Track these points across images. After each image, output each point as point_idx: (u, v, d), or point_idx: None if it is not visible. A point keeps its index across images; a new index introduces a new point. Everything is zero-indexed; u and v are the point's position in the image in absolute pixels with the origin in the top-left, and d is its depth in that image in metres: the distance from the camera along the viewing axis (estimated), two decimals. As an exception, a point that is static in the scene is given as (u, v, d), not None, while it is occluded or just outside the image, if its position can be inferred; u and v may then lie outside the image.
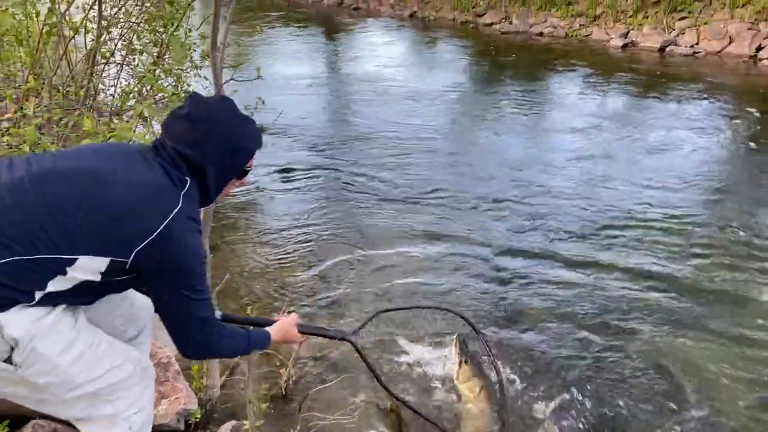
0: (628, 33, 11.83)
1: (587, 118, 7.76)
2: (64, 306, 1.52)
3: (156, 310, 1.64)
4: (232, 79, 2.89)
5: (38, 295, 1.42)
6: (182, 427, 2.52)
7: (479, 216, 5.13)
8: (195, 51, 5.28)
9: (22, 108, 4.06)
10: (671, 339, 3.51)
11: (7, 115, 3.84)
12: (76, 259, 1.41)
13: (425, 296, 3.89)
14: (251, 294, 3.91)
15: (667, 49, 11.16)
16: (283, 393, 2.89)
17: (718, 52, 10.75)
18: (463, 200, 5.42)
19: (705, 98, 8.46)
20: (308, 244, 4.65)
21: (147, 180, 1.53)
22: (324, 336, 2.29)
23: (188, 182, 1.59)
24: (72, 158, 1.54)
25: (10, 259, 1.36)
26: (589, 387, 3.12)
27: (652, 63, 10.72)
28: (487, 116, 8.07)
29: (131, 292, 1.86)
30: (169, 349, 2.72)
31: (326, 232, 4.85)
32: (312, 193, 5.71)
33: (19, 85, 4.66)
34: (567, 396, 3.04)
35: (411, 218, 5.05)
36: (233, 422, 2.55)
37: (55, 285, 1.43)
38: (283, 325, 2.01)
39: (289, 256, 4.45)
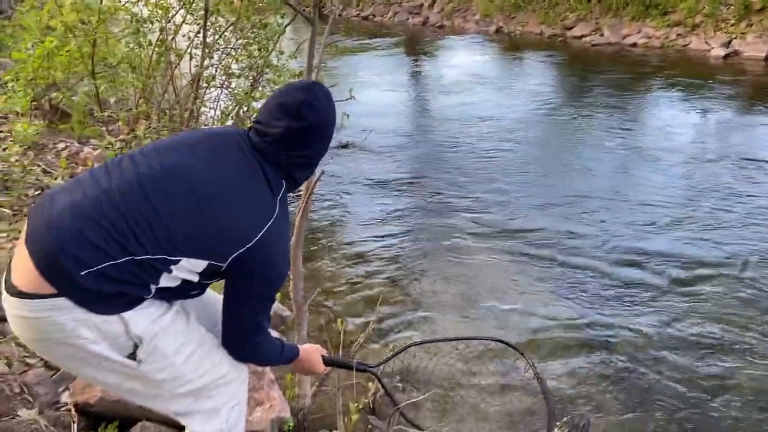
0: (730, 42, 11.21)
1: (687, 133, 7.38)
2: (177, 307, 1.62)
3: (226, 309, 1.66)
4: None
5: (153, 288, 1.49)
6: (276, 435, 2.63)
7: (570, 239, 4.94)
8: (286, 73, 5.53)
9: (134, 130, 4.42)
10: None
11: (120, 136, 4.16)
12: (179, 260, 1.48)
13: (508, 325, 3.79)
14: (337, 306, 4.03)
15: (775, 57, 10.50)
16: (372, 406, 2.95)
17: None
18: (554, 224, 5.21)
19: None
20: (394, 260, 4.71)
21: (252, 189, 1.57)
22: (347, 368, 2.25)
23: (283, 185, 1.64)
24: (179, 155, 1.58)
25: (126, 258, 1.43)
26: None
27: (758, 73, 10.07)
28: (578, 133, 7.82)
29: (215, 299, 1.93)
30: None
31: (412, 249, 4.90)
32: (399, 210, 5.76)
33: (131, 109, 5.05)
34: None
35: (500, 239, 4.96)
36: (324, 432, 2.63)
37: (165, 281, 1.50)
38: (310, 352, 2.02)
39: (374, 270, 4.54)
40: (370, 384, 2.96)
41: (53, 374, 2.71)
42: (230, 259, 1.52)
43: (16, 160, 4.46)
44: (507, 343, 2.93)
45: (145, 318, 1.51)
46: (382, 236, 5.18)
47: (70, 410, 2.45)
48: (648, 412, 3.05)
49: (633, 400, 3.14)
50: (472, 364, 3.35)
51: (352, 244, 5.07)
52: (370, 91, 10.17)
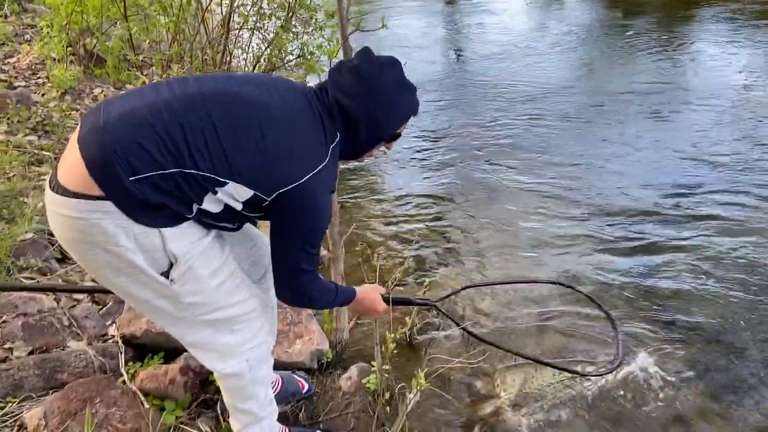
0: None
1: (738, 70, 7.08)
2: (214, 233, 1.63)
3: (272, 254, 1.67)
4: (357, 29, 2.92)
5: (195, 207, 1.50)
6: (315, 366, 2.68)
7: (616, 186, 4.79)
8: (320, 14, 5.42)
9: (167, 72, 4.43)
10: None
11: (155, 79, 4.17)
12: (226, 182, 1.48)
13: (547, 269, 3.74)
14: (372, 247, 4.05)
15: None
16: (408, 340, 2.98)
17: None
18: (597, 170, 5.08)
19: None
20: (431, 206, 4.68)
21: (310, 128, 1.58)
22: (409, 304, 2.29)
23: (338, 137, 1.64)
24: (248, 84, 1.58)
25: (175, 170, 1.43)
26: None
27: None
28: (622, 64, 7.56)
29: (259, 237, 1.99)
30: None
31: (450, 194, 4.85)
32: (433, 149, 5.70)
33: (164, 52, 5.03)
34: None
35: (540, 185, 4.86)
36: (362, 364, 2.67)
37: (208, 203, 1.51)
38: (369, 291, 2.04)
39: (410, 216, 4.52)
40: (407, 319, 2.99)
41: (100, 308, 2.80)
42: (275, 194, 1.52)
43: (55, 105, 4.52)
44: (569, 286, 3.07)
45: (184, 238, 1.53)
46: (420, 180, 5.15)
47: (117, 342, 2.55)
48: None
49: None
50: (531, 305, 3.39)
51: (388, 186, 5.06)
52: (402, 30, 9.92)
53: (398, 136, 1.78)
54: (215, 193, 1.50)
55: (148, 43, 5.12)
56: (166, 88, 1.54)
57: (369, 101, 1.63)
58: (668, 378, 2.87)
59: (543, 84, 7.25)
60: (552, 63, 7.98)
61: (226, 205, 1.55)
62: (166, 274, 1.54)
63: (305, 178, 1.53)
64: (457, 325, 2.41)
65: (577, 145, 5.56)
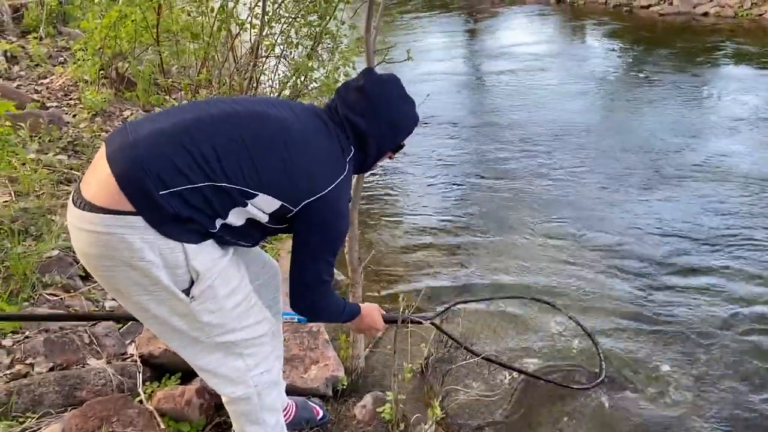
0: (810, 9, 10.55)
1: (759, 106, 7.02)
2: (232, 251, 1.67)
3: (293, 264, 1.73)
4: (383, 61, 2.99)
5: (218, 222, 1.55)
6: (330, 392, 2.68)
7: (635, 216, 4.79)
8: (344, 42, 5.52)
9: (195, 97, 4.53)
10: None
11: (183, 102, 4.27)
12: (257, 194, 1.55)
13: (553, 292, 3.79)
14: (390, 271, 4.08)
15: None
16: (423, 369, 2.97)
17: None
18: (610, 198, 5.11)
19: None
20: (446, 229, 4.72)
21: (328, 143, 1.69)
22: (405, 322, 2.37)
23: (353, 151, 1.75)
24: (272, 106, 1.69)
25: (205, 183, 1.49)
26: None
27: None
28: (640, 107, 7.50)
29: (268, 260, 2.06)
30: (319, 319, 2.89)
31: (464, 219, 4.90)
32: (452, 179, 5.73)
33: (193, 77, 5.16)
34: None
35: (552, 212, 4.89)
36: (377, 392, 2.66)
37: (233, 216, 1.56)
38: (370, 310, 2.11)
39: (425, 239, 4.58)
40: (423, 346, 2.97)
41: (120, 327, 2.84)
42: (301, 205, 1.60)
43: (85, 126, 4.63)
44: (542, 300, 3.44)
45: (206, 255, 1.56)
46: (438, 208, 5.17)
47: (135, 361, 2.57)
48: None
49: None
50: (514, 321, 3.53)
51: (406, 213, 5.09)
52: (426, 62, 10.04)
53: (401, 147, 1.90)
54: (245, 205, 1.55)
55: (177, 68, 5.25)
56: (194, 108, 1.61)
57: (377, 117, 1.75)
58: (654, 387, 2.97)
59: (562, 115, 7.30)
60: (571, 97, 7.99)
61: (249, 219, 1.60)
62: (186, 291, 1.57)
63: (328, 189, 1.62)
64: (455, 341, 2.53)
65: (598, 176, 5.56)
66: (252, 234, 1.69)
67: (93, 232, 1.47)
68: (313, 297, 1.78)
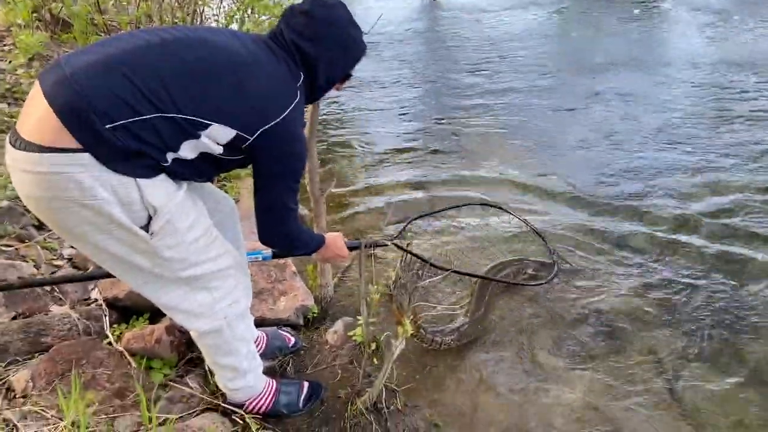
0: None
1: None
2: (186, 186, 1.62)
3: (257, 196, 1.72)
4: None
5: (170, 156, 1.49)
6: (301, 321, 2.70)
7: (578, 139, 4.98)
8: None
9: (137, 34, 4.30)
10: None
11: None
12: (210, 124, 1.49)
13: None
14: (350, 199, 4.10)
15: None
16: (391, 291, 3.00)
17: None
18: (565, 125, 5.25)
19: None
20: (406, 162, 4.72)
21: (278, 69, 1.63)
22: (368, 247, 2.43)
23: (301, 77, 1.69)
24: (213, 33, 1.61)
25: (154, 115, 1.42)
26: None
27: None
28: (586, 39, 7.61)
29: (223, 197, 2.03)
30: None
31: (420, 145, 4.96)
32: (408, 108, 5.73)
33: (132, 14, 4.89)
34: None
35: (506, 146, 4.96)
36: (347, 318, 2.70)
37: (185, 149, 1.50)
38: (334, 239, 2.12)
39: (383, 166, 4.61)
40: (391, 271, 3.01)
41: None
42: (257, 132, 1.55)
43: (23, 72, 4.40)
44: (493, 204, 3.69)
45: (161, 190, 1.51)
46: (394, 135, 5.18)
47: (100, 305, 2.53)
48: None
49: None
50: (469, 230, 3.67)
51: (363, 142, 5.07)
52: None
53: (350, 76, 1.87)
54: (197, 137, 1.49)
55: (114, 5, 4.97)
56: (132, 38, 1.51)
57: (326, 42, 1.69)
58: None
59: (511, 51, 7.34)
60: (519, 32, 7.97)
61: (202, 153, 1.55)
62: (146, 227, 1.52)
63: (284, 115, 1.58)
64: (419, 258, 2.64)
65: (546, 101, 5.72)
66: (205, 168, 1.63)
67: (37, 173, 1.39)
68: (282, 226, 1.77)
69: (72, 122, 1.36)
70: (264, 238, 1.80)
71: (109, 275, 1.95)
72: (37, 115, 1.39)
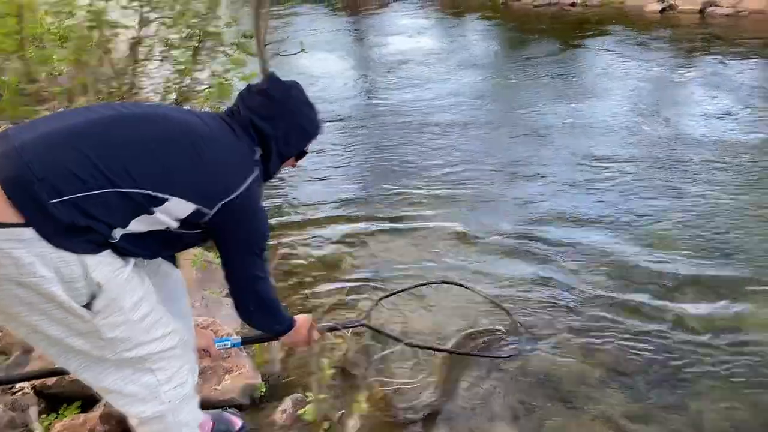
0: (665, -4, 11.46)
1: (623, 82, 7.70)
2: (132, 262, 1.56)
3: (226, 269, 1.72)
4: (277, 54, 2.90)
5: (118, 233, 1.44)
6: (248, 401, 2.57)
7: (514, 188, 5.12)
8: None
9: (70, 105, 4.20)
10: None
11: (60, 110, 3.96)
12: (167, 199, 1.45)
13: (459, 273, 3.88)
14: (299, 270, 4.01)
15: (708, 10, 10.83)
16: (343, 366, 2.91)
17: (762, 10, 10.36)
18: (497, 172, 5.44)
19: (749, 57, 8.23)
20: (346, 221, 4.75)
21: (236, 143, 1.64)
22: (340, 329, 2.50)
23: (258, 152, 1.71)
24: (169, 109, 1.65)
25: (107, 190, 1.38)
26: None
27: (691, 25, 10.45)
28: (518, 87, 8.07)
29: (171, 272, 1.95)
30: (229, 327, 2.78)
31: (364, 209, 4.96)
32: (346, 170, 5.79)
33: (65, 85, 4.80)
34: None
35: (445, 193, 5.07)
36: (296, 395, 2.58)
37: (136, 224, 1.46)
38: (305, 322, 2.11)
39: (333, 241, 4.51)
40: (341, 343, 2.92)
41: (6, 359, 2.58)
42: (218, 206, 1.54)
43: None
44: (454, 282, 3.55)
45: (106, 266, 1.45)
46: (338, 202, 5.16)
47: (27, 393, 2.34)
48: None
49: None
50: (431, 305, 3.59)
51: (309, 214, 5.02)
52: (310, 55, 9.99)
53: (305, 153, 1.91)
54: (151, 213, 1.45)
55: (45, 75, 4.86)
56: (83, 112, 1.50)
57: (282, 121, 1.73)
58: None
59: (443, 106, 7.55)
60: (450, 88, 8.28)
61: (156, 230, 1.50)
62: (88, 306, 1.44)
63: (244, 186, 1.58)
64: (392, 338, 2.59)
65: (476, 156, 5.90)
66: (153, 244, 1.58)
67: None
68: (254, 295, 1.77)
69: (17, 195, 1.30)
70: (239, 310, 1.81)
71: (54, 372, 1.84)
72: None
